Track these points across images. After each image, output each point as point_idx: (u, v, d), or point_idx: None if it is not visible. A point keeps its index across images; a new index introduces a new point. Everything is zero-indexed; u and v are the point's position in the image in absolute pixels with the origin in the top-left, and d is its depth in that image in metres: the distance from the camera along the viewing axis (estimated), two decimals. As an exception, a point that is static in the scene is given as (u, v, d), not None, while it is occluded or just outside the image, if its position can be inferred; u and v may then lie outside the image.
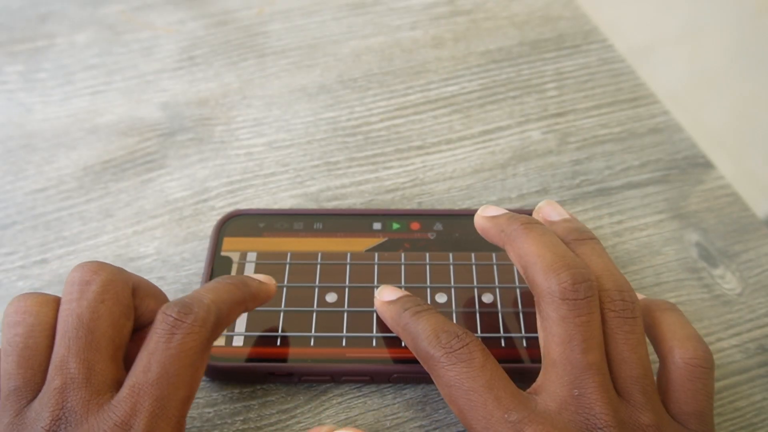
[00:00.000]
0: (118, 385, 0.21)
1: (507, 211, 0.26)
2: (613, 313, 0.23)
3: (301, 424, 0.28)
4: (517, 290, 0.30)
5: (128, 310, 0.23)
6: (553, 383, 0.22)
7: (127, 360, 0.23)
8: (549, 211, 0.27)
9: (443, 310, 0.29)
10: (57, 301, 0.22)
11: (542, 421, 0.21)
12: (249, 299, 0.25)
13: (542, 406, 0.22)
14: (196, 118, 0.39)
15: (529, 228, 0.24)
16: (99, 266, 0.23)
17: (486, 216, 0.27)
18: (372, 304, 0.29)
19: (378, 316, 0.29)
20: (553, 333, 0.22)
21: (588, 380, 0.21)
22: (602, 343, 0.22)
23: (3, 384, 0.21)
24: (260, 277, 0.27)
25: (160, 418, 0.21)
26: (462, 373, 0.22)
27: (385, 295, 0.27)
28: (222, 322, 0.23)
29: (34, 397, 0.21)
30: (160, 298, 0.25)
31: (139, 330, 0.24)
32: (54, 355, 0.21)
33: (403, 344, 0.28)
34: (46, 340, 0.22)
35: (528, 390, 0.23)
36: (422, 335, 0.24)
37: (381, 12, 0.45)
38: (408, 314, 0.25)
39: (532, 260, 0.23)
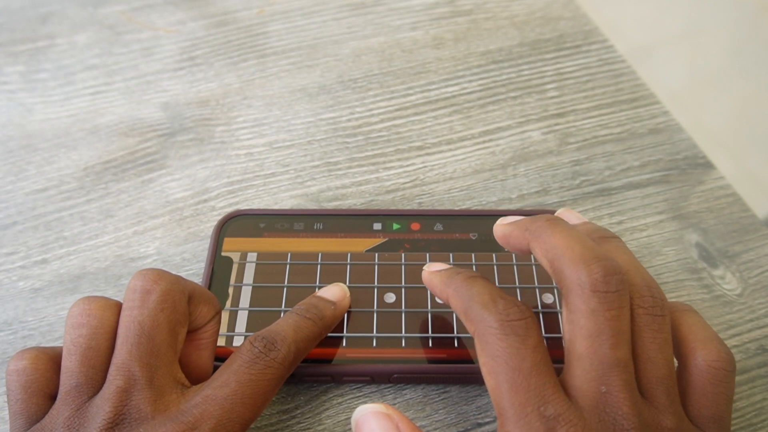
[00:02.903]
0: (178, 385, 0.23)
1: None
2: (642, 309, 0.22)
3: (302, 424, 0.28)
4: (518, 290, 0.30)
5: (184, 318, 0.24)
6: (578, 378, 0.21)
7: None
8: (568, 216, 0.27)
9: (443, 310, 0.29)
10: (118, 306, 0.24)
11: (577, 422, 0.20)
12: (324, 332, 0.27)
13: (573, 403, 0.21)
14: (197, 118, 0.39)
15: (555, 223, 0.24)
16: (159, 275, 0.24)
17: (506, 223, 0.26)
18: (372, 305, 0.29)
19: (378, 317, 0.29)
20: (581, 326, 0.21)
21: (615, 378, 0.21)
22: (630, 340, 0.22)
23: (64, 381, 0.22)
24: (333, 293, 0.28)
25: (224, 429, 0.22)
26: (512, 348, 0.21)
27: (433, 267, 0.26)
28: (299, 358, 0.25)
29: (94, 395, 0.22)
30: (213, 304, 0.26)
31: (190, 333, 0.25)
32: (115, 358, 0.22)
33: (403, 344, 0.28)
34: (107, 342, 0.23)
35: None
36: (477, 297, 0.22)
37: (381, 12, 0.45)
38: (461, 277, 0.24)
39: (561, 252, 0.22)
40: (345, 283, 0.30)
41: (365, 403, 0.28)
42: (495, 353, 0.21)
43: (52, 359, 0.23)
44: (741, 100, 1.23)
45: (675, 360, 0.24)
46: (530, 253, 0.24)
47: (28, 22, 0.44)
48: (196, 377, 0.25)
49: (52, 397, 0.23)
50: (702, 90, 1.25)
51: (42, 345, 0.30)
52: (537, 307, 0.29)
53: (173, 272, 0.32)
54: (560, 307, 0.29)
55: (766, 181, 1.12)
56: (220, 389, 0.22)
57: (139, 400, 0.21)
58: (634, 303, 0.22)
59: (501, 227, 0.26)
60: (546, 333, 0.28)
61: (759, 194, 1.11)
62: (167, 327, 0.23)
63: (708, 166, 0.37)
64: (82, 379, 0.22)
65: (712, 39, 1.33)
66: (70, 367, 0.22)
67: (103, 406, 0.21)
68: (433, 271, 0.26)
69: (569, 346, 0.22)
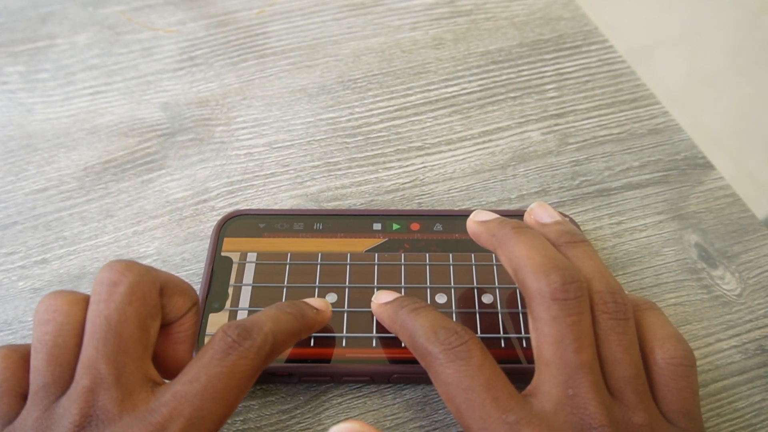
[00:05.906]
0: (149, 383, 0.22)
1: (498, 216, 0.27)
2: (606, 315, 0.23)
3: (301, 425, 0.28)
4: (517, 291, 0.30)
5: (155, 311, 0.23)
6: (547, 383, 0.22)
7: (154, 356, 0.23)
8: (540, 213, 0.27)
9: (443, 310, 0.29)
10: (86, 300, 0.22)
11: (539, 422, 0.21)
12: (304, 330, 0.25)
13: (538, 407, 0.22)
14: (197, 118, 0.39)
15: (519, 232, 0.25)
16: (127, 267, 0.23)
17: (478, 221, 0.27)
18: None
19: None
20: (545, 333, 0.23)
21: (581, 379, 0.22)
22: (594, 343, 0.23)
23: (32, 380, 0.22)
24: (317, 303, 0.27)
25: (195, 428, 0.21)
26: (460, 371, 0.22)
27: (381, 298, 0.27)
28: (276, 351, 0.24)
29: (63, 394, 0.21)
30: (189, 294, 0.24)
31: (166, 326, 0.24)
32: (82, 356, 0.21)
33: (402, 345, 0.28)
34: (75, 339, 0.22)
35: (523, 392, 0.23)
36: (420, 332, 0.24)
37: (381, 12, 0.45)
38: (405, 311, 0.25)
39: (523, 262, 0.24)
40: (345, 282, 0.30)
41: (365, 403, 0.28)
42: (446, 380, 0.22)
43: (23, 357, 0.22)
44: (741, 100, 1.23)
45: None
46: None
47: (28, 22, 0.44)
48: (174, 373, 0.24)
49: (25, 396, 0.22)
50: (702, 90, 1.25)
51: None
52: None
53: (173, 272, 0.32)
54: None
55: (765, 181, 1.13)
56: (190, 385, 0.21)
57: (105, 400, 0.20)
58: (598, 309, 0.23)
59: (473, 224, 0.27)
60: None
61: (758, 194, 1.11)
62: (136, 321, 0.22)
63: (707, 166, 0.37)
64: (49, 379, 0.21)
65: (712, 39, 1.34)
66: (37, 366, 0.21)
67: (69, 408, 0.20)
68: (381, 303, 0.27)
69: (537, 353, 0.23)
